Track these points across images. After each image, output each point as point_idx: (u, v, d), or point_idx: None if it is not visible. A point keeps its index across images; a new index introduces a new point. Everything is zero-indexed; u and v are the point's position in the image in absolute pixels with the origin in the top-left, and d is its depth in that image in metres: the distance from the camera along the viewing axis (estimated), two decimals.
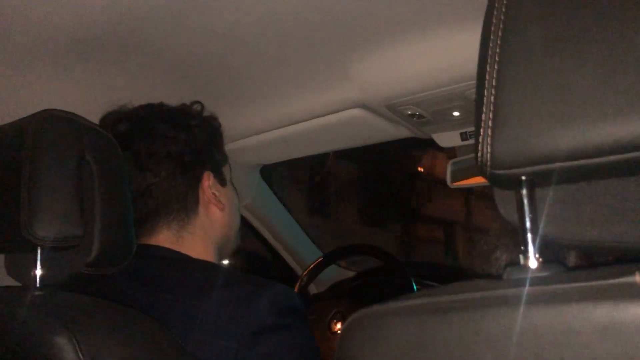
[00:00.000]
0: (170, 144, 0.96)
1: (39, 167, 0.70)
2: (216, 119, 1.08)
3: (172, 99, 1.06)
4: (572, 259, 0.50)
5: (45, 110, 0.74)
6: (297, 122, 1.31)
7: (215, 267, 0.95)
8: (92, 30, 0.90)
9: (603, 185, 0.46)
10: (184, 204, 0.98)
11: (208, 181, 1.00)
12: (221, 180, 1.05)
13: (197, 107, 1.06)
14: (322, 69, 1.12)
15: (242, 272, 0.94)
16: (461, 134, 1.27)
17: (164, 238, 0.96)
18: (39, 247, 0.70)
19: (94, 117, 0.83)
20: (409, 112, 1.18)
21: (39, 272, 0.71)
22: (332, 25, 0.95)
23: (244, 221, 1.69)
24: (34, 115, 0.73)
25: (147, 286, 0.90)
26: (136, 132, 0.96)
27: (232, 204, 1.07)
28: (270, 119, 1.32)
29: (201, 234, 0.99)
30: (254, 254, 1.92)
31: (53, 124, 0.73)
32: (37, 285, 0.71)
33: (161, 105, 1.03)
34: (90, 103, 1.04)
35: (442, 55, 1.03)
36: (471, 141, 1.24)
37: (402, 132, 1.33)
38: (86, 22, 0.88)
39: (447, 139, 1.31)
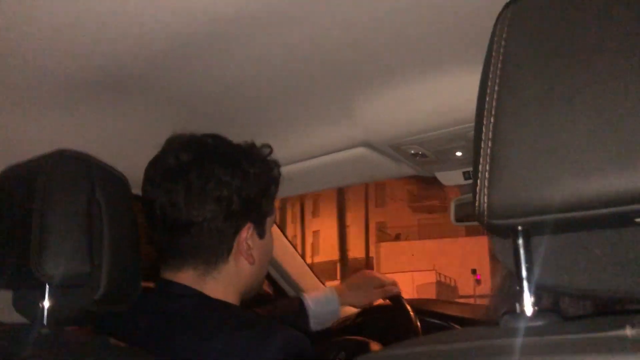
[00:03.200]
0: (222, 188, 0.94)
1: (50, 205, 0.72)
2: (278, 167, 1.06)
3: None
4: (566, 305, 0.51)
5: (58, 150, 0.76)
6: (303, 159, 1.34)
7: (231, 308, 0.95)
8: (99, 72, 0.93)
9: (598, 235, 0.47)
10: (217, 250, 0.96)
11: (247, 233, 0.98)
12: (260, 233, 1.02)
13: (265, 151, 1.04)
14: (328, 108, 1.15)
15: (257, 314, 0.95)
16: (464, 173, 1.29)
17: (188, 277, 0.96)
18: (47, 284, 0.72)
19: (105, 157, 0.85)
20: (412, 152, 1.20)
21: (46, 309, 0.72)
22: (338, 66, 0.98)
23: None
24: (47, 154, 0.76)
25: (160, 324, 0.91)
26: (194, 166, 0.94)
27: (264, 257, 1.05)
28: (277, 156, 1.34)
29: (225, 281, 0.98)
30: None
31: (65, 164, 0.76)
32: (45, 322, 0.72)
33: (228, 142, 1.01)
34: (100, 143, 1.06)
35: (444, 97, 1.05)
36: None
37: (406, 170, 1.34)
38: (93, 64, 0.90)
39: (450, 177, 1.33)
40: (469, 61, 0.95)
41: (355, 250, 22.44)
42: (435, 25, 0.86)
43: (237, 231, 0.97)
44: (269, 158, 1.04)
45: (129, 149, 1.13)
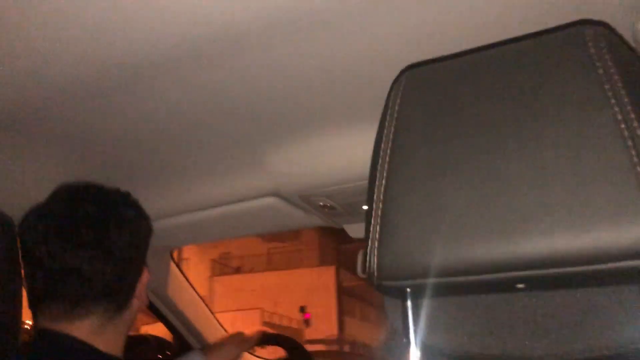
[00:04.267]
0: (134, 232, 0.95)
1: None
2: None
3: (86, 180, 1.03)
4: None
5: None
6: (212, 206, 1.31)
7: None
8: (7, 106, 0.88)
9: (484, 298, 0.49)
10: (124, 296, 0.95)
11: (146, 277, 1.00)
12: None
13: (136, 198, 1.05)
14: (238, 157, 1.14)
15: None
16: None
17: (88, 326, 0.90)
18: None
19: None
20: (321, 204, 1.21)
21: None
22: (247, 117, 0.99)
23: (150, 305, 1.63)
24: None
25: None
26: (106, 216, 0.93)
27: (145, 297, 1.06)
28: (185, 202, 1.31)
29: (122, 326, 0.96)
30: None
31: None
32: None
33: (120, 191, 1.01)
34: None
35: (351, 152, 1.08)
36: None
37: (315, 221, 1.35)
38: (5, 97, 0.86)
39: (358, 230, 1.35)
40: (374, 119, 0.98)
41: (197, 287, 20.20)
42: (342, 84, 0.88)
43: (140, 274, 0.99)
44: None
45: (17, 191, 1.06)
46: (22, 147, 1.00)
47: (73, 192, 0.96)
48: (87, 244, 0.89)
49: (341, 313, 17.50)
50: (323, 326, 16.19)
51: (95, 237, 0.90)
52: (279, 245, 20.18)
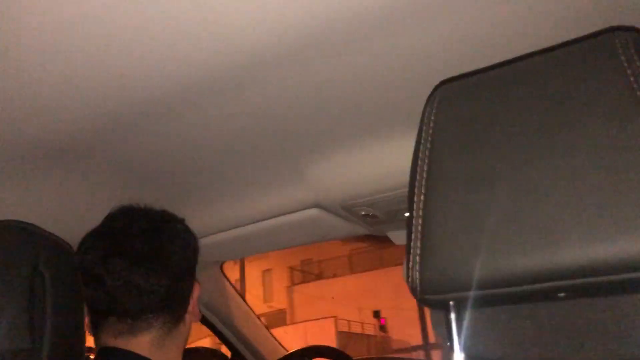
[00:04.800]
0: (186, 247, 1.00)
1: None
2: None
3: (133, 202, 1.08)
4: None
5: (1, 221, 0.75)
6: (256, 221, 1.34)
7: None
8: (52, 139, 0.93)
9: (527, 308, 0.49)
10: (180, 309, 1.00)
11: (198, 290, 1.04)
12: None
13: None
14: (279, 172, 1.17)
15: None
16: None
17: (150, 340, 0.95)
18: None
19: (54, 225, 0.84)
20: (363, 213, 1.22)
21: None
22: (289, 131, 1.01)
23: (203, 318, 1.68)
24: None
25: None
26: (161, 231, 0.98)
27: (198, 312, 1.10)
28: (230, 218, 1.35)
29: (179, 340, 1.01)
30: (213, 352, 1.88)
31: (8, 235, 0.74)
32: None
33: (166, 211, 1.06)
34: (51, 211, 1.05)
35: (392, 161, 1.09)
36: None
37: (358, 230, 1.37)
38: (46, 131, 0.91)
39: (401, 237, 1.35)
40: (412, 128, 0.99)
41: (281, 299, 18.75)
42: (380, 95, 0.90)
43: (192, 289, 1.03)
44: None
45: (74, 218, 1.11)
46: (75, 173, 1.05)
47: (127, 211, 1.01)
48: (143, 259, 0.93)
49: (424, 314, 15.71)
50: (406, 330, 14.97)
51: (150, 251, 0.94)
52: (361, 246, 18.71)
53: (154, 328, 0.95)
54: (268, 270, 18.33)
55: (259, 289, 18.75)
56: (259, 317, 1.86)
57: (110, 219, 1.00)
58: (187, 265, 1.00)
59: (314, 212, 1.27)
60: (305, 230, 1.37)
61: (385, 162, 1.10)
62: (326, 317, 15.29)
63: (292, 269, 19.54)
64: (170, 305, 0.97)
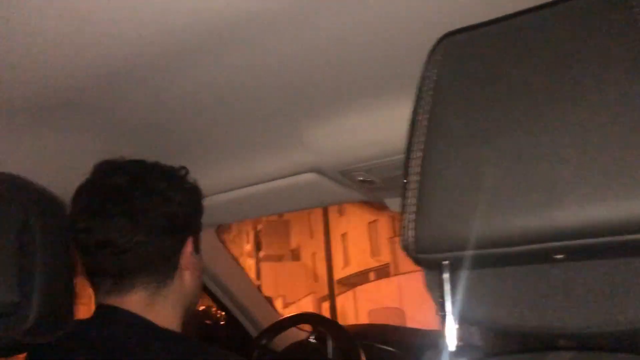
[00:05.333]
0: (166, 203, 0.96)
1: None
2: (199, 187, 1.08)
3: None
4: (492, 341, 0.52)
5: None
6: (253, 184, 1.33)
7: (178, 339, 0.93)
8: (52, 94, 0.91)
9: (522, 270, 0.48)
10: (165, 267, 0.97)
11: (191, 247, 1.00)
12: (197, 247, 1.04)
13: (183, 171, 1.05)
14: (277, 134, 1.15)
15: (203, 344, 0.93)
16: None
17: (138, 299, 0.94)
18: None
19: (50, 180, 0.83)
20: (361, 179, 1.21)
21: None
22: (286, 93, 0.99)
23: None
24: None
25: (104, 358, 0.88)
26: (134, 187, 0.94)
27: (201, 271, 1.08)
28: (227, 180, 1.33)
29: (173, 299, 0.98)
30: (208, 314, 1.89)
31: None
32: None
33: (158, 163, 1.02)
34: (47, 166, 1.04)
35: (391, 126, 1.07)
36: None
37: (355, 196, 1.36)
38: (46, 86, 0.89)
39: (398, 203, 1.34)
40: (413, 92, 0.97)
41: (385, 252, 16.93)
42: (380, 57, 0.88)
43: (182, 246, 0.99)
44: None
45: (65, 174, 1.10)
46: (66, 128, 1.03)
47: (107, 167, 0.98)
48: (114, 216, 0.91)
49: None
50: None
51: (122, 208, 0.92)
52: None
53: (138, 288, 0.94)
54: (374, 221, 16.97)
55: (365, 243, 17.66)
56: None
57: (93, 173, 0.98)
58: (169, 222, 0.95)
59: (311, 176, 1.26)
60: (302, 195, 1.36)
61: (384, 127, 1.08)
62: None
63: (393, 218, 17.74)
64: (150, 263, 0.95)
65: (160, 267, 0.96)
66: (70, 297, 0.78)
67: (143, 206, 0.93)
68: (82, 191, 0.95)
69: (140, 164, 1.00)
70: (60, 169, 1.11)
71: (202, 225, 1.07)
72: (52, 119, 0.99)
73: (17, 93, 0.89)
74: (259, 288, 2.04)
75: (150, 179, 0.97)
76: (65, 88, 0.90)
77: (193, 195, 1.02)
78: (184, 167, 1.05)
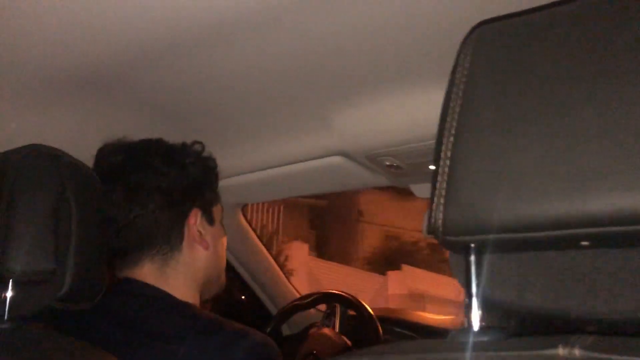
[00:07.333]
0: (160, 177, 0.97)
1: (17, 200, 0.72)
2: (213, 160, 1.08)
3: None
4: (515, 323, 0.53)
5: (30, 145, 0.76)
6: (279, 165, 1.35)
7: (195, 312, 0.95)
8: (85, 70, 0.93)
9: (548, 255, 0.49)
10: (168, 239, 0.98)
11: (195, 219, 1.01)
12: (209, 219, 1.05)
13: (197, 147, 1.07)
14: (305, 117, 1.16)
15: (221, 318, 0.94)
16: None
17: (148, 271, 0.97)
18: (10, 279, 0.72)
19: (83, 154, 0.85)
20: (387, 163, 1.22)
21: (8, 303, 0.72)
22: (317, 77, 1.00)
23: None
24: (17, 149, 0.75)
25: (124, 326, 0.90)
26: (129, 164, 0.98)
27: (218, 244, 1.07)
28: (253, 161, 1.35)
29: (184, 270, 0.99)
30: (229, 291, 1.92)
31: (36, 160, 0.75)
32: (6, 317, 0.71)
33: (159, 140, 1.04)
34: (80, 140, 1.06)
35: (419, 112, 1.07)
36: None
37: (380, 180, 1.36)
38: (79, 62, 0.91)
39: (423, 190, 1.34)
40: (442, 78, 0.96)
41: None
42: (411, 42, 0.87)
43: (184, 217, 1.00)
44: (203, 152, 1.07)
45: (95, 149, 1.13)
46: (99, 104, 1.06)
47: (107, 147, 1.02)
48: (112, 192, 0.95)
49: None
50: None
51: (118, 185, 0.95)
52: None
53: (144, 261, 0.97)
54: None
55: None
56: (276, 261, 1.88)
57: (95, 155, 1.01)
58: (165, 195, 0.97)
59: (337, 159, 1.27)
60: (327, 178, 1.37)
61: (413, 112, 1.08)
62: None
63: None
64: (150, 236, 0.97)
65: (161, 240, 0.98)
66: (102, 267, 0.81)
67: (137, 182, 0.96)
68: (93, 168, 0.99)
69: (139, 143, 1.03)
70: (95, 144, 1.13)
71: (215, 197, 1.08)
72: (84, 95, 1.01)
73: (54, 67, 0.91)
74: None
75: (144, 156, 0.99)
76: (98, 65, 0.92)
77: (196, 169, 1.03)
78: (198, 142, 1.06)
